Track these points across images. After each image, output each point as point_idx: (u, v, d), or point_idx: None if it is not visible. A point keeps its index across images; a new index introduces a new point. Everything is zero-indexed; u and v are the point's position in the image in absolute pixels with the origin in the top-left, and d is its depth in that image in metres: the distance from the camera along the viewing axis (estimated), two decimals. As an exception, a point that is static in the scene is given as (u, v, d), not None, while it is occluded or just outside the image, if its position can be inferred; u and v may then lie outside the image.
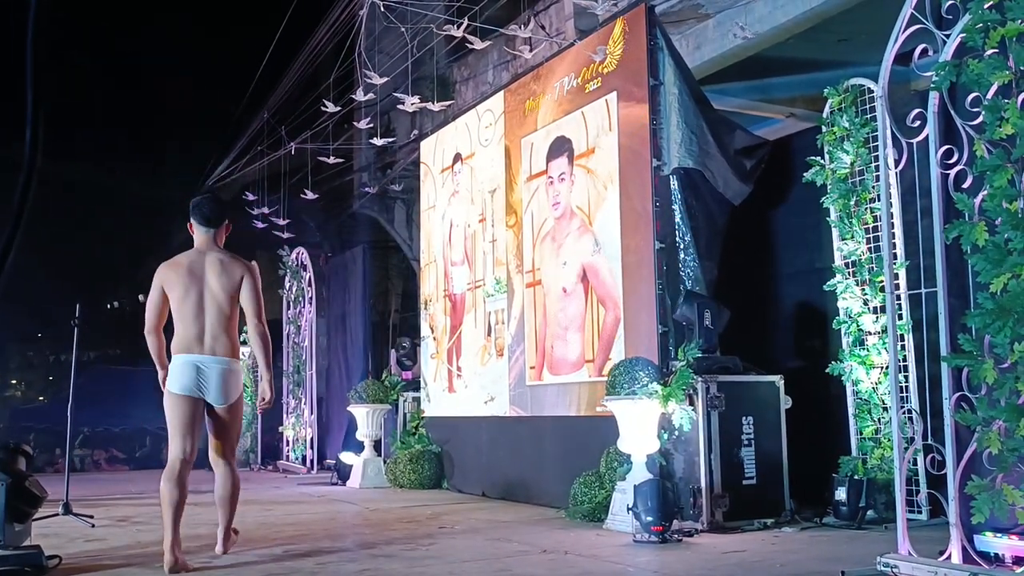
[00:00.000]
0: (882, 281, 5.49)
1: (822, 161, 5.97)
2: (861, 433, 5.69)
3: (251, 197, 13.48)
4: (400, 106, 9.34)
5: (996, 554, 3.56)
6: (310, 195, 12.21)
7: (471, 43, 8.59)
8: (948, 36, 3.70)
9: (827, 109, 5.99)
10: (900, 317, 5.38)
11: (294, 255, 12.38)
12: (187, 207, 4.72)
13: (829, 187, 5.92)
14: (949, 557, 3.55)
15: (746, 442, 5.53)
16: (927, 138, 3.78)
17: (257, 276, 4.70)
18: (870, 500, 5.33)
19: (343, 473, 9.24)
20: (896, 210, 5.40)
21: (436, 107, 9.41)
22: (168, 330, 4.58)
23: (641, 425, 5.42)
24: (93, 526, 5.93)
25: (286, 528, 5.88)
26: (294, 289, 12.29)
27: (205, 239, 4.67)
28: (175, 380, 4.48)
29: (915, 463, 5.17)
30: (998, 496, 3.37)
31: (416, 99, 9.00)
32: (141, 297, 6.33)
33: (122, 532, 5.78)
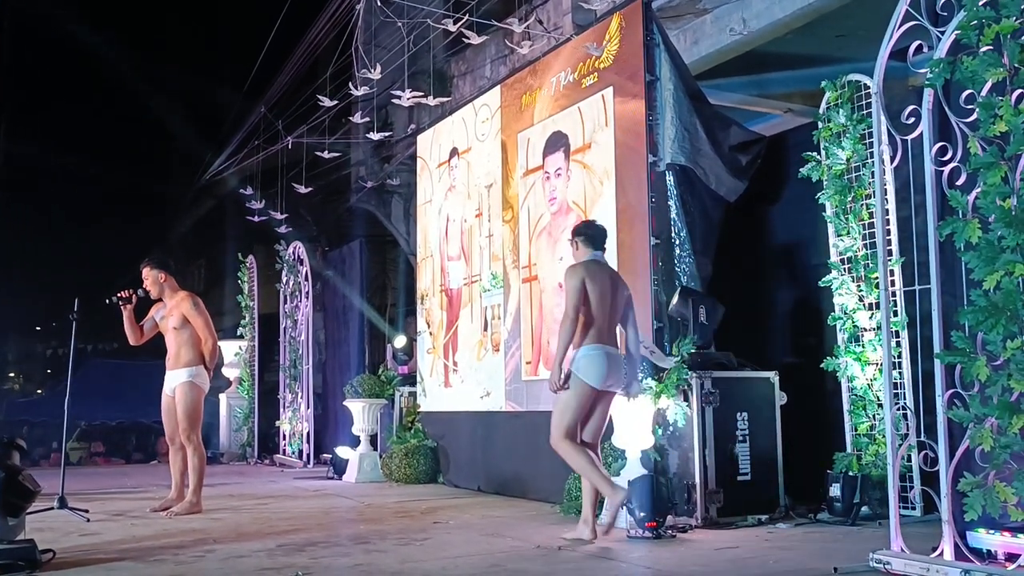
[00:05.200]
0: (877, 277, 5.48)
1: (818, 157, 5.96)
2: (856, 429, 5.69)
3: (248, 191, 13.46)
4: (396, 100, 9.33)
5: (988, 550, 3.57)
6: (302, 189, 12.18)
7: (468, 37, 8.58)
8: (943, 33, 3.69)
9: (824, 104, 5.97)
10: (895, 314, 5.38)
11: (291, 249, 12.36)
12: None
13: (825, 183, 5.90)
14: (942, 554, 3.56)
15: (740, 438, 5.53)
16: (922, 135, 3.78)
17: None
18: (864, 496, 5.32)
19: (339, 467, 9.25)
20: (891, 206, 5.38)
21: (433, 101, 9.40)
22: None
23: (635, 421, 5.41)
24: (88, 520, 5.93)
25: (280, 522, 5.89)
26: (291, 283, 12.27)
27: None
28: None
29: (909, 459, 5.18)
30: (990, 493, 3.38)
31: (411, 92, 8.98)
32: (140, 291, 6.39)
33: (117, 526, 5.77)
